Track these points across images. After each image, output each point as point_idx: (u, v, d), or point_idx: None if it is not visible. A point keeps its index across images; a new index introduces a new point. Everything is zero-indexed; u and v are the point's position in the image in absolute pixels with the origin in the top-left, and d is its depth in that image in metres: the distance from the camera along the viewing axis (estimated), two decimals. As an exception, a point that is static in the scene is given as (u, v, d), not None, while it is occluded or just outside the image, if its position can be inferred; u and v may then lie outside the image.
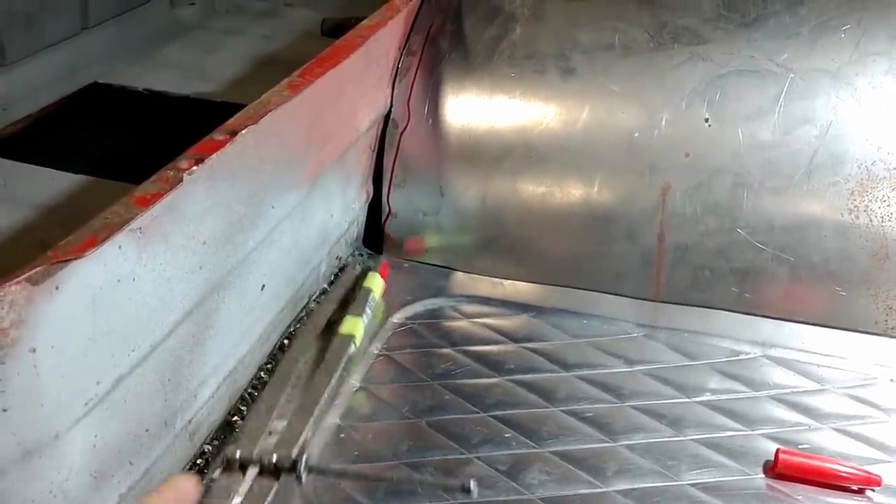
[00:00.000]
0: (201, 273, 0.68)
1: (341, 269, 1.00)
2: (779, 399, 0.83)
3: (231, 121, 0.69)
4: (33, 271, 0.50)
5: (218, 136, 0.66)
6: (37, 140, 1.53)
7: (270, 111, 0.70)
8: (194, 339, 0.70)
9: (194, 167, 0.61)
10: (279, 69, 1.83)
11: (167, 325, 0.65)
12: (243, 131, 0.66)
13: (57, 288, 0.53)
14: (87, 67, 1.70)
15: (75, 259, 0.52)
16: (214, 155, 0.63)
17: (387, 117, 1.03)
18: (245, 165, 0.69)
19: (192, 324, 0.69)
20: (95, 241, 0.54)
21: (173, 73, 1.77)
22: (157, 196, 0.58)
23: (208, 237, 0.68)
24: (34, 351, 0.52)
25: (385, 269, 0.96)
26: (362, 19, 1.38)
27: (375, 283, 0.93)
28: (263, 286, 0.80)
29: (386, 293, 0.96)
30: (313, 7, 2.17)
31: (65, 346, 0.55)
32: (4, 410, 0.51)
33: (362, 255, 1.05)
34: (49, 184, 1.37)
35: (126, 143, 1.62)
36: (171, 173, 0.61)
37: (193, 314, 0.68)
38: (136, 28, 1.83)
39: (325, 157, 0.87)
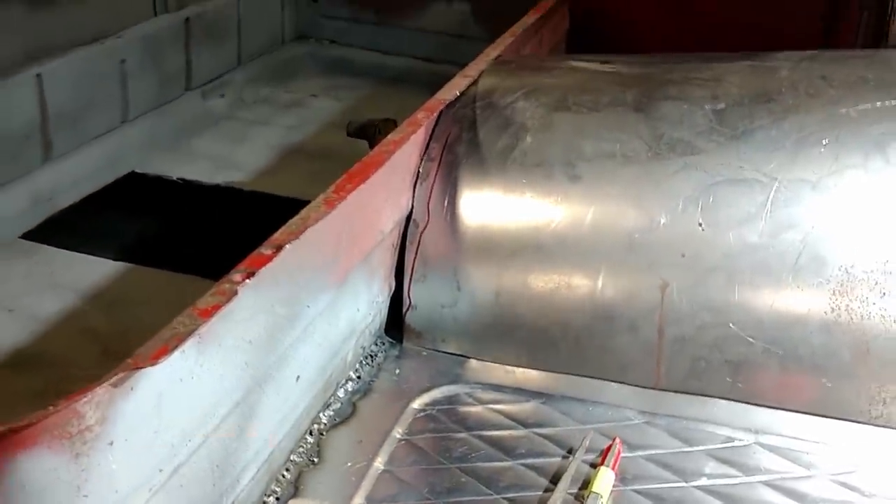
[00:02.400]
0: (247, 369, 0.77)
1: (366, 358, 1.09)
2: (770, 484, 0.90)
3: (276, 235, 0.79)
4: (116, 377, 0.59)
5: (265, 250, 0.75)
6: (79, 227, 1.64)
7: (310, 226, 0.80)
8: (239, 428, 0.78)
9: (247, 280, 0.71)
10: (304, 159, 1.96)
11: (218, 416, 0.73)
12: (287, 246, 0.76)
13: (132, 389, 0.61)
14: (125, 158, 1.83)
15: (151, 366, 0.61)
16: (263, 269, 0.72)
17: (408, 217, 1.13)
18: (286, 274, 0.79)
19: (238, 415, 0.77)
20: (167, 350, 0.62)
21: (205, 163, 1.89)
22: (217, 307, 0.67)
23: (254, 337, 0.77)
24: (111, 444, 0.61)
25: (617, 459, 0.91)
26: (384, 121, 1.51)
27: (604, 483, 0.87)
28: (298, 377, 0.89)
29: (406, 380, 1.05)
30: (334, 98, 2.31)
31: (135, 439, 0.63)
32: (85, 497, 0.60)
33: (384, 344, 1.13)
34: (91, 270, 1.48)
35: (162, 229, 1.73)
36: (227, 286, 0.70)
37: (240, 406, 0.77)
38: (171, 120, 1.96)
39: (354, 259, 0.96)
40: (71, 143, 1.68)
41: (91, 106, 1.73)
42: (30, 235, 1.56)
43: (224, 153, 1.93)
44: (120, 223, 1.71)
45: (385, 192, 1.02)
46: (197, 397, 0.70)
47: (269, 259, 0.74)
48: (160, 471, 0.67)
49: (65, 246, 1.53)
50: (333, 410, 0.98)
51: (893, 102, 1.05)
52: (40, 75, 1.58)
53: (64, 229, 1.60)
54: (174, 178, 1.80)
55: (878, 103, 1.05)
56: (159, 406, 0.65)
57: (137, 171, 1.81)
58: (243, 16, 2.23)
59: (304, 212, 0.83)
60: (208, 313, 0.66)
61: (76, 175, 1.69)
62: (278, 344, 0.82)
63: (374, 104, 2.25)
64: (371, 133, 1.40)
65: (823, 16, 2.14)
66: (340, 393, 1.01)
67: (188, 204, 1.78)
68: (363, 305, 1.04)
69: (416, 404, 1.01)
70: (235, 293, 0.69)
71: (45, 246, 1.52)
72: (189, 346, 0.66)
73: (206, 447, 0.73)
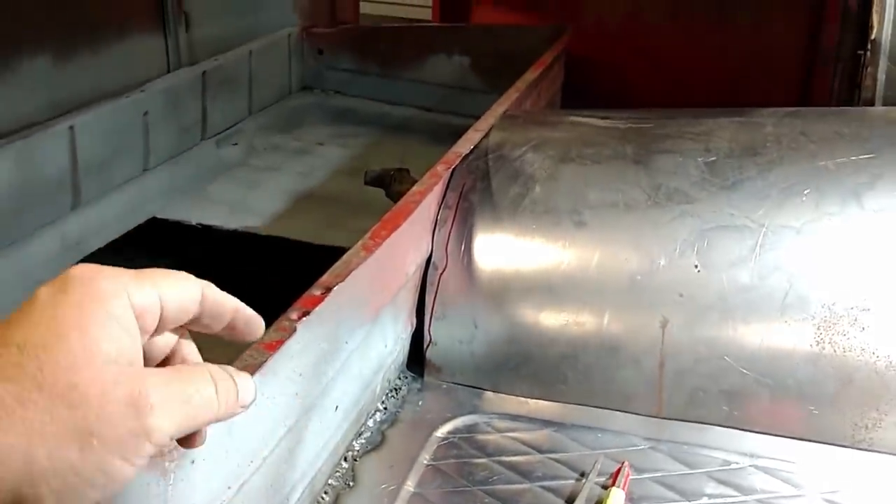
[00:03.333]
0: (297, 399, 0.86)
1: (392, 391, 1.18)
2: (764, 502, 0.99)
3: (324, 278, 0.88)
4: (202, 403, 0.68)
5: (316, 291, 0.85)
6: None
7: (353, 270, 0.89)
8: (289, 452, 0.87)
9: (303, 318, 0.80)
10: (315, 204, 2.06)
11: (274, 440, 0.82)
12: (335, 288, 0.86)
13: (211, 414, 0.70)
14: (147, 204, 1.93)
15: (230, 393, 0.70)
16: (316, 309, 0.82)
17: (428, 260, 1.22)
18: (331, 313, 0.88)
19: (289, 439, 0.86)
20: (242, 379, 0.71)
21: (222, 208, 1.99)
22: (280, 342, 0.76)
23: (303, 370, 0.86)
24: (193, 462, 0.70)
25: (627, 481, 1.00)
26: (399, 170, 1.61)
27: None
28: (337, 407, 0.98)
29: (429, 411, 1.14)
30: (340, 145, 2.42)
31: (212, 458, 0.72)
32: (169, 510, 0.68)
33: (407, 378, 1.22)
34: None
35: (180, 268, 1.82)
36: (287, 323, 0.79)
37: (291, 432, 0.86)
38: (188, 167, 2.07)
39: (384, 299, 1.06)
40: (98, 190, 1.78)
41: (116, 155, 1.83)
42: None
43: (239, 198, 2.03)
44: (143, 267, 1.80)
45: (410, 239, 1.12)
46: (259, 422, 0.79)
47: (321, 300, 0.83)
48: (228, 488, 0.76)
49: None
50: (365, 438, 1.07)
51: (867, 156, 1.16)
52: (73, 127, 1.68)
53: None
54: (194, 223, 1.90)
55: (854, 157, 1.16)
56: (231, 429, 0.74)
57: (159, 216, 1.91)
58: (254, 68, 2.35)
59: (346, 256, 0.93)
60: (273, 347, 0.76)
61: (102, 221, 1.79)
62: (322, 376, 0.91)
63: (378, 152, 2.36)
64: (387, 182, 1.50)
65: (801, 69, 2.28)
66: (370, 423, 1.10)
67: (208, 248, 1.87)
68: (390, 342, 1.14)
69: (440, 433, 1.10)
70: (294, 330, 0.78)
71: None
72: (257, 376, 0.75)
73: (264, 468, 0.81)
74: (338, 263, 0.91)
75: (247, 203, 2.02)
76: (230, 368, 0.57)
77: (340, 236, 1.82)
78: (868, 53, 2.06)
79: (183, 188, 2.01)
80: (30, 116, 1.71)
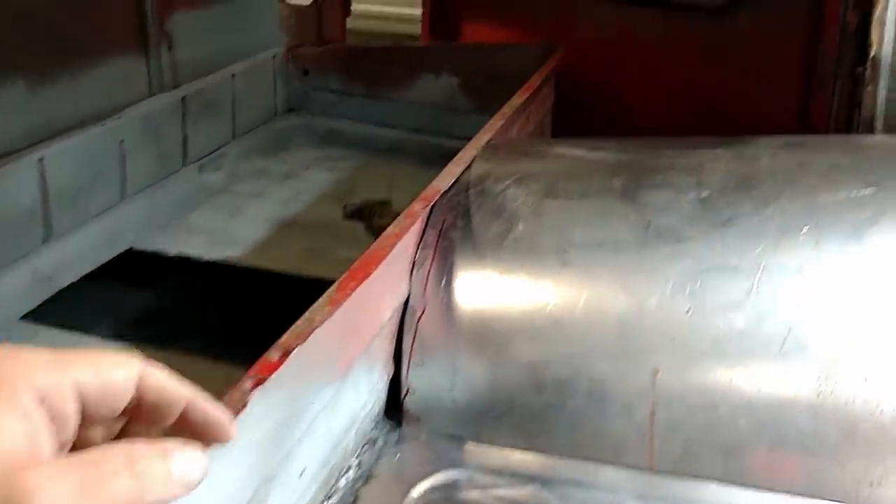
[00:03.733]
0: (255, 469, 0.79)
1: (366, 443, 1.11)
2: (763, 568, 0.93)
3: (283, 339, 0.82)
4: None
5: (273, 356, 0.78)
6: (79, 306, 1.67)
7: (316, 328, 0.83)
8: (247, 528, 0.80)
9: (257, 388, 0.74)
10: (299, 232, 2.00)
11: (228, 518, 0.76)
12: (294, 351, 0.79)
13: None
14: (123, 234, 1.86)
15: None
16: (272, 376, 0.75)
17: (406, 303, 1.16)
18: (293, 376, 0.82)
19: (246, 514, 0.79)
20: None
21: (202, 237, 1.93)
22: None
23: (262, 439, 0.80)
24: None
25: None
26: (380, 203, 1.55)
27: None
28: (303, 471, 0.91)
29: (407, 465, 1.07)
30: (327, 169, 2.36)
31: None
32: None
33: (384, 428, 1.16)
34: (92, 352, 1.50)
35: (161, 307, 1.76)
36: (238, 395, 0.73)
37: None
38: (168, 195, 2.00)
39: (356, 352, 0.99)
40: (70, 222, 1.72)
41: (91, 185, 1.77)
42: (30, 317, 1.58)
43: (220, 227, 1.96)
44: (119, 301, 1.73)
45: (385, 284, 1.05)
46: (210, 497, 0.72)
47: (278, 366, 0.77)
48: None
49: (65, 326, 1.55)
50: (336, 500, 1.00)
51: (868, 191, 1.10)
52: (42, 159, 1.62)
53: (64, 309, 1.63)
54: (172, 253, 1.84)
55: (854, 192, 1.09)
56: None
57: (136, 247, 1.84)
58: (237, 91, 2.28)
59: (308, 313, 0.86)
60: (221, 423, 0.69)
61: (75, 254, 1.72)
62: (283, 442, 0.84)
63: (366, 175, 2.30)
64: (367, 215, 1.44)
65: (799, 87, 2.22)
66: (342, 482, 1.03)
67: (186, 280, 1.81)
68: (363, 394, 1.07)
69: (417, 492, 1.03)
70: (245, 404, 0.72)
71: (46, 327, 1.55)
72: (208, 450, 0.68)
73: (217, 549, 0.75)
74: (300, 321, 0.84)
75: (228, 232, 1.95)
76: (171, 443, 0.50)
77: (324, 267, 1.76)
78: (868, 71, 2.00)
79: (162, 217, 1.95)
80: (2, 145, 1.65)
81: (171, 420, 0.53)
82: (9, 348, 0.48)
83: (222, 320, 1.74)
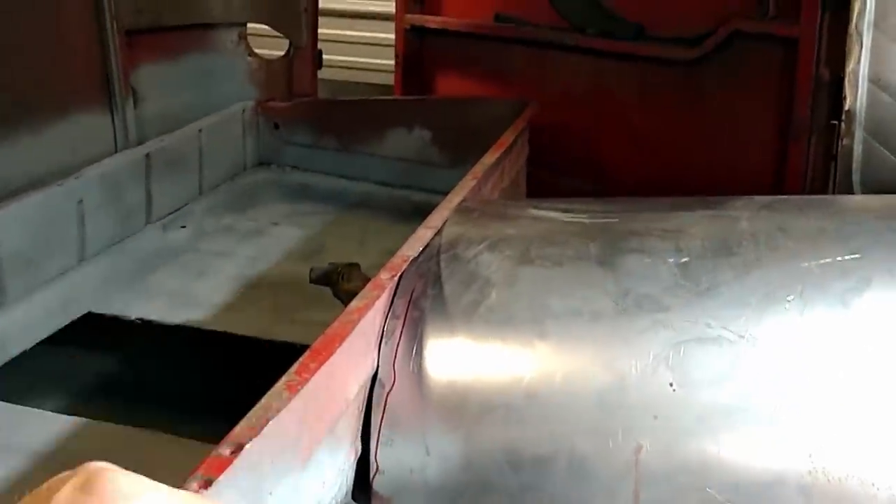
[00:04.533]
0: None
1: (332, 530, 1.04)
2: None
3: (235, 431, 0.75)
4: None
5: (224, 451, 0.72)
6: (32, 376, 1.59)
7: (271, 418, 0.76)
8: None
9: (204, 489, 0.67)
10: (266, 292, 1.93)
11: None
12: (248, 445, 0.72)
13: None
14: (82, 298, 1.78)
15: None
16: (222, 475, 0.68)
17: (374, 376, 1.10)
18: (247, 470, 0.75)
19: None
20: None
21: (164, 300, 1.85)
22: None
23: (213, 541, 0.72)
24: None
25: None
26: (348, 266, 1.49)
27: None
28: (260, 570, 0.84)
29: (375, 554, 1.00)
30: (296, 225, 2.31)
31: None
32: None
33: (351, 512, 1.08)
34: (44, 428, 1.41)
35: (119, 375, 1.68)
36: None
37: None
38: (130, 255, 1.93)
39: (319, 435, 0.93)
40: (25, 286, 1.64)
41: (47, 247, 1.70)
42: (-21, 390, 1.50)
43: (184, 289, 1.89)
44: (75, 368, 1.65)
45: (350, 360, 0.99)
46: None
47: (229, 462, 0.70)
48: None
49: (16, 399, 1.47)
50: None
51: (852, 256, 1.06)
52: (-6, 222, 1.55)
53: (16, 378, 1.54)
54: (132, 318, 1.76)
55: (839, 258, 1.05)
56: None
57: (94, 311, 1.76)
58: (205, 146, 2.23)
59: (264, 400, 0.80)
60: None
61: (30, 319, 1.64)
62: (239, 541, 0.77)
63: (336, 230, 2.25)
64: (334, 279, 1.38)
65: (775, 140, 2.20)
66: (306, 575, 0.95)
67: (147, 345, 1.73)
68: (329, 478, 1.00)
69: (385, 584, 0.96)
70: (192, 507, 0.65)
71: (-1, 401, 1.46)
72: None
73: None
74: (255, 409, 0.78)
75: (192, 293, 1.88)
76: None
77: (291, 330, 1.69)
78: (843, 125, 1.98)
79: (123, 279, 1.88)
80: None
81: None
82: (124, 481, 0.47)
83: (185, 387, 1.66)
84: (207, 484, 0.68)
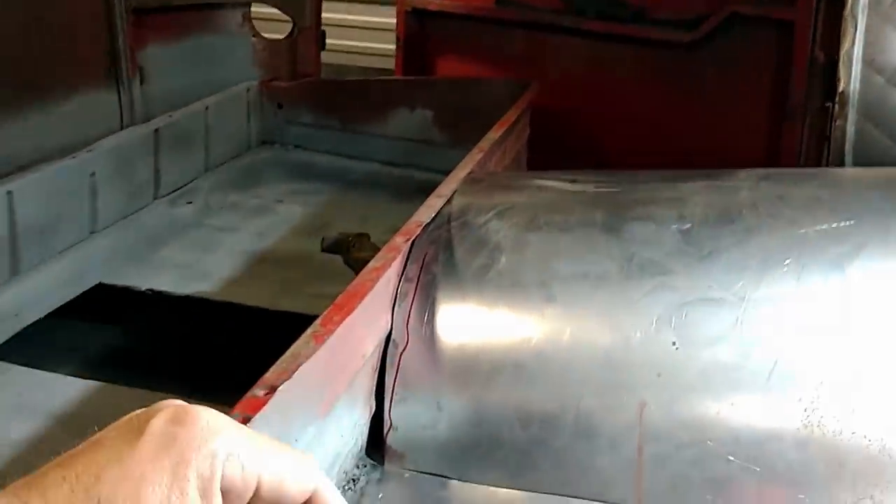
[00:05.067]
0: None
1: (348, 483, 1.08)
2: None
3: (268, 375, 0.79)
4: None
5: (259, 392, 0.76)
6: (47, 343, 1.62)
7: (301, 364, 0.81)
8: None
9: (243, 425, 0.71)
10: (272, 266, 1.97)
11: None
12: (280, 387, 0.77)
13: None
14: (93, 270, 1.82)
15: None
16: (258, 414, 0.73)
17: (388, 338, 1.14)
18: (278, 413, 0.79)
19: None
20: None
21: (174, 272, 1.89)
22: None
23: (245, 479, 0.77)
24: None
25: None
26: (358, 236, 1.53)
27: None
28: (286, 513, 0.88)
29: (389, 506, 1.05)
30: (300, 203, 2.34)
31: None
32: None
33: (366, 467, 1.13)
34: (61, 390, 1.45)
35: (132, 343, 1.72)
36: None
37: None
38: (138, 230, 1.97)
39: (339, 388, 0.97)
40: (39, 257, 1.67)
41: (60, 219, 1.73)
42: (-4, 354, 1.54)
43: (193, 262, 1.93)
44: (88, 337, 1.69)
45: (367, 319, 1.03)
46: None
47: (264, 402, 0.74)
48: None
49: (32, 364, 1.51)
50: (317, 542, 0.97)
51: (847, 223, 1.10)
52: (12, 192, 1.58)
53: (31, 346, 1.58)
54: (143, 289, 1.80)
55: (834, 224, 1.10)
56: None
57: (105, 282, 1.80)
58: (211, 123, 2.27)
59: (293, 348, 0.84)
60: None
61: (43, 289, 1.68)
62: (268, 482, 0.82)
63: (339, 208, 2.29)
64: (345, 248, 1.42)
65: (769, 122, 2.25)
66: (325, 522, 1.00)
67: (157, 316, 1.77)
68: (346, 431, 1.04)
69: (401, 534, 1.00)
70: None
71: (12, 365, 1.50)
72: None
73: None
74: (285, 356, 0.82)
75: (200, 266, 1.92)
76: None
77: (298, 302, 1.73)
78: (836, 106, 2.03)
79: (133, 252, 1.91)
80: (-32, 180, 1.61)
81: None
82: (212, 417, 0.49)
83: (194, 356, 1.70)
84: (245, 421, 0.72)
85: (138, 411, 0.51)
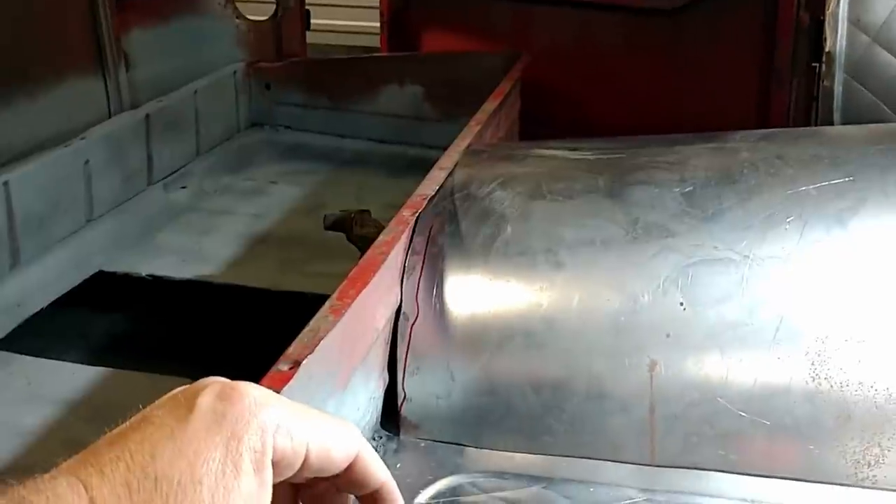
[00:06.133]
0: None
1: (366, 454, 1.10)
2: (772, 553, 0.94)
3: (291, 350, 0.80)
4: None
5: (283, 367, 0.77)
6: (52, 332, 1.62)
7: (322, 338, 0.82)
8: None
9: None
10: (271, 247, 1.98)
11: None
12: (304, 361, 0.78)
13: None
14: (92, 258, 1.82)
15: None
16: (285, 387, 0.74)
17: (398, 311, 1.15)
18: (301, 387, 0.80)
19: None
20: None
21: (173, 257, 1.89)
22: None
23: (273, 452, 0.78)
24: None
25: None
26: (360, 213, 1.54)
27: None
28: (310, 484, 0.90)
29: (408, 474, 1.06)
30: (294, 183, 2.34)
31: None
32: None
33: (382, 438, 1.14)
34: (70, 378, 1.46)
35: (135, 329, 1.72)
36: (253, 407, 0.71)
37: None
38: (135, 216, 1.96)
39: (355, 361, 0.98)
40: (38, 247, 1.67)
41: (57, 208, 1.73)
42: (1, 345, 1.54)
43: (191, 246, 1.93)
44: (92, 325, 1.69)
45: (379, 292, 1.04)
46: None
47: (290, 377, 0.75)
48: None
49: (39, 353, 1.51)
50: (341, 512, 0.99)
51: (847, 179, 1.12)
52: (8, 183, 1.58)
53: (36, 335, 1.58)
54: (143, 274, 1.80)
55: (835, 181, 1.12)
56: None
57: (105, 269, 1.80)
58: (200, 107, 2.26)
59: (313, 323, 0.85)
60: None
61: (44, 279, 1.68)
62: (294, 455, 0.83)
63: (334, 188, 2.29)
64: (348, 226, 1.43)
65: (757, 85, 2.26)
66: (346, 494, 1.01)
67: (159, 300, 1.77)
68: (362, 404, 1.06)
69: (421, 499, 1.02)
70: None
71: (19, 355, 1.50)
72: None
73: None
74: (305, 331, 0.83)
75: (199, 250, 1.92)
76: None
77: (300, 281, 1.74)
78: (823, 67, 2.04)
79: (130, 238, 1.91)
80: (-39, 172, 1.60)
81: (359, 493, 0.55)
82: (258, 392, 0.50)
83: (198, 340, 1.71)
84: (273, 394, 0.73)
85: (181, 388, 0.51)
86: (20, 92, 1.86)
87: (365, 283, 0.93)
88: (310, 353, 0.79)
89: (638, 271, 1.11)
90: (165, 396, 0.51)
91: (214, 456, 0.46)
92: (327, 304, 0.89)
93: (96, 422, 1.39)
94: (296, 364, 0.78)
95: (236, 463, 0.47)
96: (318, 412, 0.53)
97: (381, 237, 1.06)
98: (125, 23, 2.21)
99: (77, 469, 0.46)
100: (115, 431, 0.48)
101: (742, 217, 1.11)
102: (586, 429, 1.08)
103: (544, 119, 2.42)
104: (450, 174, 1.30)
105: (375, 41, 3.07)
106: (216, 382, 0.51)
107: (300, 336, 0.83)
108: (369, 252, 1.02)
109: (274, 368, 0.78)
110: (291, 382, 0.77)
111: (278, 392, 0.73)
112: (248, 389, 0.50)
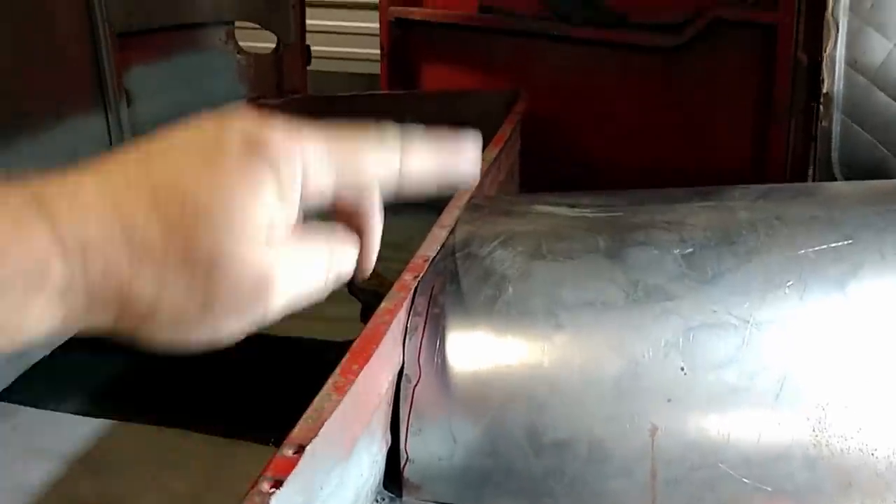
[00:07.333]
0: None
1: (368, 518, 1.10)
2: None
3: (294, 433, 0.81)
4: None
5: (287, 452, 0.78)
6: (56, 382, 1.63)
7: (326, 420, 0.82)
8: None
9: (274, 489, 0.73)
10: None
11: None
12: (308, 446, 0.78)
13: None
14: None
15: None
16: (290, 474, 0.74)
17: (400, 371, 1.16)
18: (306, 471, 0.81)
19: None
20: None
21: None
22: (253, 523, 0.69)
23: (277, 534, 0.78)
24: None
25: None
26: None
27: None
28: (314, 559, 0.90)
29: (411, 538, 1.07)
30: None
31: None
32: None
33: (384, 500, 1.15)
34: (74, 431, 1.46)
35: (140, 376, 1.72)
36: (258, 498, 0.72)
37: None
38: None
39: (358, 429, 0.99)
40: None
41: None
42: (5, 396, 1.54)
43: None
44: (95, 373, 1.69)
45: (381, 361, 1.05)
46: None
47: (294, 463, 0.76)
48: None
49: (43, 405, 1.51)
50: (344, 582, 0.99)
51: (845, 242, 1.13)
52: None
53: (40, 386, 1.58)
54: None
55: (833, 244, 1.13)
56: None
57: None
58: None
59: (316, 403, 0.86)
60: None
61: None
62: (297, 533, 0.83)
63: (332, 225, 2.29)
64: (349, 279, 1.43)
65: (756, 124, 2.28)
66: (349, 561, 1.02)
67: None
68: (365, 469, 1.06)
69: (424, 564, 1.03)
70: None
71: (23, 407, 1.51)
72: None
73: None
74: (308, 412, 0.84)
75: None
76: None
77: (307, 326, 1.74)
78: (821, 107, 2.06)
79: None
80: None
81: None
82: (282, 128, 0.53)
83: (205, 387, 1.71)
84: (278, 484, 0.74)
85: (201, 123, 0.51)
86: (21, 130, 1.87)
87: (368, 357, 0.94)
88: (314, 437, 0.80)
89: (639, 334, 1.11)
90: (183, 129, 0.51)
91: (252, 190, 0.48)
92: (330, 381, 0.90)
93: (102, 479, 1.39)
94: (300, 449, 0.78)
95: (284, 191, 0.49)
96: (345, 138, 0.56)
97: (383, 304, 1.07)
98: (126, 59, 2.23)
99: (100, 173, 0.49)
100: (134, 155, 0.50)
101: (742, 280, 1.12)
102: (587, 492, 1.09)
103: (542, 153, 2.44)
104: (451, 231, 1.31)
105: (376, 68, 3.09)
106: (240, 125, 0.51)
107: (304, 417, 0.84)
108: (372, 321, 1.03)
109: (279, 454, 0.78)
110: (297, 467, 0.77)
111: (283, 479, 0.74)
112: (277, 132, 0.52)
